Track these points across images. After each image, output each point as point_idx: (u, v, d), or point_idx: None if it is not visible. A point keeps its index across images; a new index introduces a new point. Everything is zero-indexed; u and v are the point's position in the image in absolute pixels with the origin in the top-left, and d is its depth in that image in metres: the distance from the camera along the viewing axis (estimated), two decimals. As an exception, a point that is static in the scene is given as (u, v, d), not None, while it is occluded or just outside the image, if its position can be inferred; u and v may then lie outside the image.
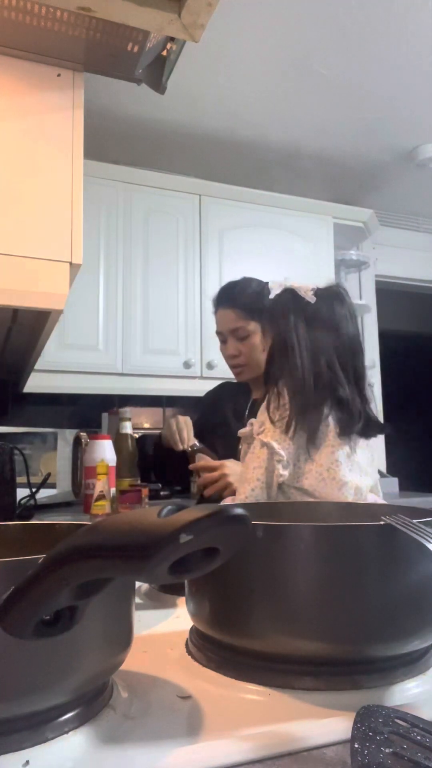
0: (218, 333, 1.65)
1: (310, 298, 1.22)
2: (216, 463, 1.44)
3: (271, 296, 1.28)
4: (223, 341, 1.62)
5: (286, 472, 1.13)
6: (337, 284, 1.30)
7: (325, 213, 2.79)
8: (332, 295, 1.26)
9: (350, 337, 1.22)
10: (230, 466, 1.40)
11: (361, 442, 1.23)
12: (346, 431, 1.16)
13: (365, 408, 1.20)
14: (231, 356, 1.60)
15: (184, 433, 1.61)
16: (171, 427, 1.63)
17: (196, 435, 1.64)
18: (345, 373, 1.19)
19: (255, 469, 1.14)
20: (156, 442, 1.75)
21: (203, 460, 1.49)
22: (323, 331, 1.20)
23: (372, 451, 1.26)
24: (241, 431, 1.23)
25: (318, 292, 1.24)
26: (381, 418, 3.20)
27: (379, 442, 3.20)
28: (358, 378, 1.21)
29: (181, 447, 1.60)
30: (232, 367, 1.62)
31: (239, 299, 1.58)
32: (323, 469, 1.14)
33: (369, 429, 1.21)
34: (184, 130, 2.56)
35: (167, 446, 1.64)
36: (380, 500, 1.22)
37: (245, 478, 1.16)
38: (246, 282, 1.63)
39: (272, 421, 1.15)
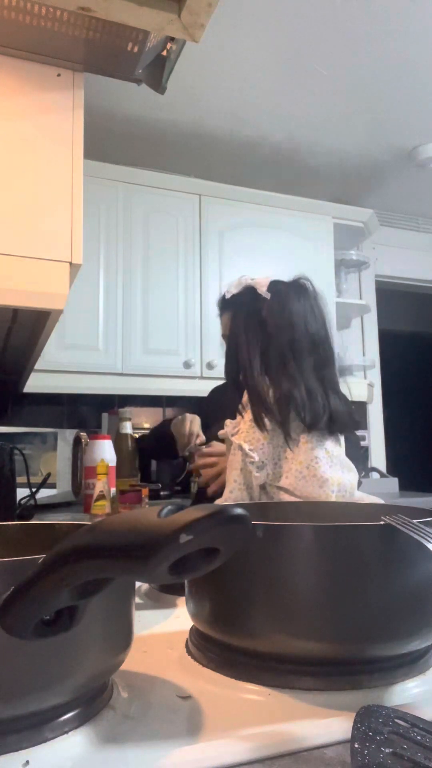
0: (223, 336, 1.65)
1: (265, 294, 1.21)
2: (212, 459, 1.45)
3: (228, 296, 1.28)
4: None
5: (260, 474, 1.12)
6: (300, 277, 1.28)
7: (325, 213, 2.79)
8: (291, 289, 1.24)
9: (310, 331, 1.20)
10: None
11: (341, 441, 1.22)
12: (311, 427, 1.14)
13: (330, 403, 1.17)
14: None
15: (194, 438, 1.64)
16: (185, 427, 1.65)
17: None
18: (300, 367, 1.17)
19: (233, 470, 1.14)
20: (164, 427, 1.76)
21: (204, 453, 1.50)
22: (277, 326, 1.19)
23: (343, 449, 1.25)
24: (220, 432, 1.23)
25: (274, 287, 1.23)
26: (381, 418, 3.17)
27: (378, 441, 3.20)
28: (320, 372, 1.19)
29: (182, 453, 1.63)
30: None
31: None
32: (303, 467, 1.12)
33: (337, 425, 1.18)
34: (184, 130, 2.56)
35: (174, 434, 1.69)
36: (371, 498, 1.22)
37: (227, 480, 1.16)
38: None
39: (244, 421, 1.15)
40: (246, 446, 1.12)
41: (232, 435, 1.16)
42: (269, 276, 1.26)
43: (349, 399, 1.27)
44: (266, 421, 1.13)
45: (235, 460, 1.14)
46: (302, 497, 1.12)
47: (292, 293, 1.24)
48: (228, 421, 1.20)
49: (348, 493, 1.15)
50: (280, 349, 1.18)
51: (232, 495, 1.14)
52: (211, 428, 1.69)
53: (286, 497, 1.14)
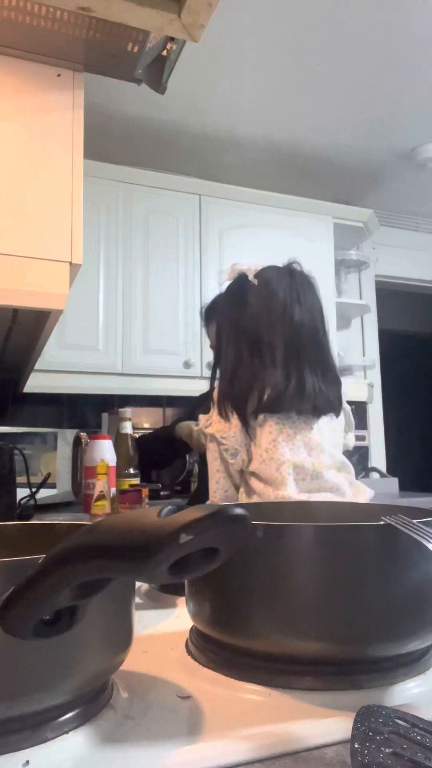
0: (211, 347, 1.67)
1: (253, 280, 1.25)
2: None
3: (223, 286, 1.31)
4: None
5: (234, 460, 1.18)
6: (293, 261, 1.30)
7: (325, 213, 2.79)
8: (278, 274, 1.27)
9: (290, 314, 1.22)
10: None
11: (323, 422, 1.22)
12: (274, 409, 1.16)
13: (305, 385, 1.19)
14: None
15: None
16: (190, 426, 1.69)
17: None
18: (272, 351, 1.19)
19: (214, 461, 1.20)
20: (169, 431, 1.78)
21: None
22: (257, 311, 1.22)
23: (335, 431, 1.26)
24: (196, 427, 1.27)
25: (262, 273, 1.25)
26: (381, 418, 3.16)
27: (378, 441, 3.20)
28: (300, 354, 1.20)
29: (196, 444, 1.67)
30: None
31: None
32: (263, 450, 1.16)
33: (310, 406, 1.19)
34: (184, 130, 2.56)
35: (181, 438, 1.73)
36: (344, 478, 1.22)
37: (210, 472, 1.21)
38: None
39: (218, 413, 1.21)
40: (218, 435, 1.17)
41: (206, 427, 1.21)
42: (263, 264, 1.28)
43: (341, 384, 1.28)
44: (228, 410, 1.18)
45: (212, 450, 1.20)
46: (265, 479, 1.16)
47: (278, 278, 1.26)
48: (201, 415, 1.25)
49: (310, 475, 1.17)
50: (255, 334, 1.21)
51: (219, 485, 1.20)
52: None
53: (254, 482, 1.18)
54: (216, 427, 1.19)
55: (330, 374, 1.25)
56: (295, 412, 1.19)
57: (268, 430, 1.17)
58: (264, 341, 1.20)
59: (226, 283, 1.30)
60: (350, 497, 1.18)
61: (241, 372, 1.19)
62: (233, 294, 1.27)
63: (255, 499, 1.15)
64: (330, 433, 1.24)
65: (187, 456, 2.33)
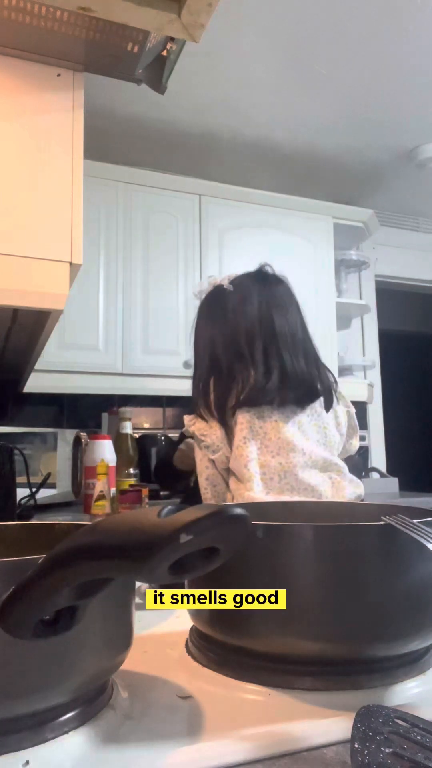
0: None
1: (228, 286, 1.29)
2: None
3: (199, 299, 1.35)
4: None
5: (215, 456, 1.21)
6: (264, 264, 1.34)
7: (325, 213, 2.79)
8: (248, 278, 1.31)
9: (265, 312, 1.25)
10: None
11: (305, 420, 1.22)
12: (255, 402, 1.19)
13: (287, 373, 1.21)
14: None
15: None
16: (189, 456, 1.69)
17: None
18: (251, 350, 1.22)
19: (201, 459, 1.23)
20: (168, 459, 1.76)
21: None
22: (233, 315, 1.26)
23: (326, 429, 1.25)
24: (183, 429, 1.30)
25: (236, 280, 1.30)
26: (381, 418, 3.15)
27: (378, 441, 3.19)
28: (279, 349, 1.23)
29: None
30: None
31: None
32: (235, 447, 1.19)
33: (294, 394, 1.21)
34: (184, 130, 2.56)
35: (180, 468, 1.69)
36: (327, 477, 1.21)
37: (198, 471, 1.24)
38: None
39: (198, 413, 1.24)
40: (198, 433, 1.21)
41: (190, 426, 1.24)
42: (237, 272, 1.33)
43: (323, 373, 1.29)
44: (206, 414, 1.22)
45: (197, 449, 1.23)
46: (237, 477, 1.17)
47: (252, 281, 1.29)
48: (186, 416, 1.27)
49: (278, 475, 1.17)
50: (233, 336, 1.24)
51: (208, 481, 1.22)
52: None
53: (232, 480, 1.19)
54: (197, 426, 1.23)
55: (313, 364, 1.26)
56: (273, 407, 1.20)
57: (240, 427, 1.18)
58: (242, 342, 1.22)
59: (203, 296, 1.34)
60: (328, 498, 1.16)
61: (218, 375, 1.22)
62: (209, 302, 1.30)
63: (235, 500, 1.15)
64: (315, 431, 1.23)
65: None
